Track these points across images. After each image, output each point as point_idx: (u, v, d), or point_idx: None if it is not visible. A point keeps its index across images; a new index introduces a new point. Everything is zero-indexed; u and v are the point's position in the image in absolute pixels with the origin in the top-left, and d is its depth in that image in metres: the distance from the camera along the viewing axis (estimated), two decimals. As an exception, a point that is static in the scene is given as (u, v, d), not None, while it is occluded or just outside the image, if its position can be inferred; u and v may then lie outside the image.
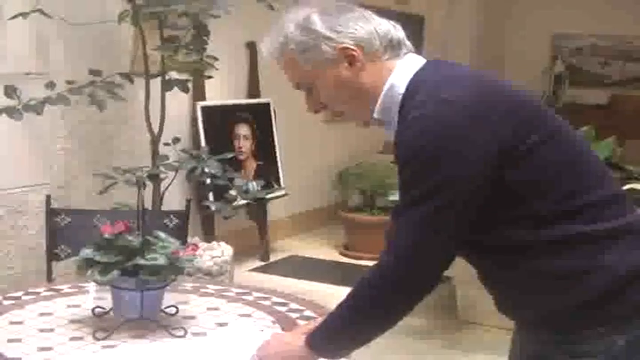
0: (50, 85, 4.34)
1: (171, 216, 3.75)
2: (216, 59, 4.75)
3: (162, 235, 2.60)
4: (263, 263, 6.85)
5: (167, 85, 4.80)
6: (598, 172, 2.16)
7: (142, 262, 2.47)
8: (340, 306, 2.19)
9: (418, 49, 2.28)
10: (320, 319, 2.31)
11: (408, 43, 2.25)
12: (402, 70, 2.17)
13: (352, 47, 2.17)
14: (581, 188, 2.08)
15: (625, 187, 4.87)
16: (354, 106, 2.23)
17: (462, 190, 2.01)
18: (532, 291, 2.11)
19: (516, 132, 2.03)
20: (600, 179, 2.14)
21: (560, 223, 2.04)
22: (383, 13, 2.29)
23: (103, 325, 2.57)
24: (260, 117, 6.96)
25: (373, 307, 2.14)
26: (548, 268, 2.06)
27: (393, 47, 2.21)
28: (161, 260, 2.49)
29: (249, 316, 2.75)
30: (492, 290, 2.25)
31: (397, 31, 2.24)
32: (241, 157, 6.68)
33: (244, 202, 4.94)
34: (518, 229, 2.06)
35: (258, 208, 6.68)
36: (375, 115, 2.19)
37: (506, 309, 2.24)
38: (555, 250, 2.05)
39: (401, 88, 2.13)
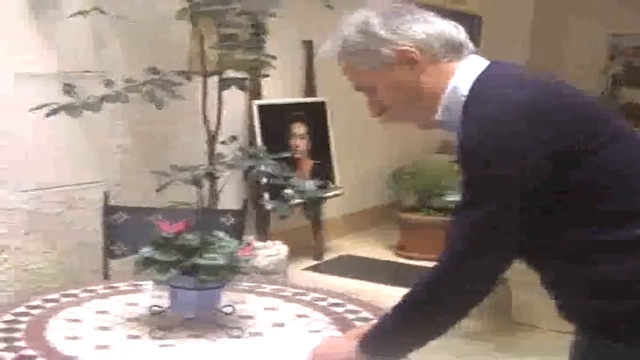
0: (109, 83, 4.36)
1: (229, 215, 3.76)
2: (274, 58, 4.74)
3: (220, 234, 2.61)
4: (317, 262, 6.84)
5: (224, 84, 4.80)
6: None
7: (200, 261, 2.47)
8: (395, 308, 2.18)
9: (476, 47, 2.26)
10: (373, 322, 2.30)
11: (470, 44, 2.24)
12: (465, 72, 2.15)
13: (412, 49, 2.15)
14: None
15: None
16: (415, 108, 2.22)
17: (520, 191, 1.99)
18: (596, 296, 2.07)
19: (578, 134, 2.01)
20: None
21: (624, 225, 2.01)
22: (439, 12, 2.27)
23: (160, 323, 2.58)
24: (315, 116, 6.94)
25: (429, 309, 2.12)
26: (613, 271, 2.02)
27: (453, 49, 2.20)
28: (220, 260, 2.49)
29: (306, 316, 2.75)
30: (556, 294, 2.22)
31: (458, 33, 2.23)
32: (297, 156, 6.67)
33: (300, 200, 4.93)
34: (580, 231, 2.04)
35: (313, 208, 6.66)
36: (437, 117, 2.17)
37: (570, 314, 2.21)
38: (620, 253, 2.02)
39: (464, 90, 2.12)
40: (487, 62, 2.19)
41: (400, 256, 7.16)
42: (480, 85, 2.10)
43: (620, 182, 2.04)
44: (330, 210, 7.24)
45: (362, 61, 2.19)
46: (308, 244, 6.86)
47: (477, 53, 2.25)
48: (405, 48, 2.16)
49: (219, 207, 4.60)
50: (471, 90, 2.11)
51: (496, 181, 1.99)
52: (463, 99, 2.11)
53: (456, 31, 2.22)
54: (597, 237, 2.02)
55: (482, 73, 2.14)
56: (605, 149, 2.03)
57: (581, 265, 2.06)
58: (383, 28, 2.16)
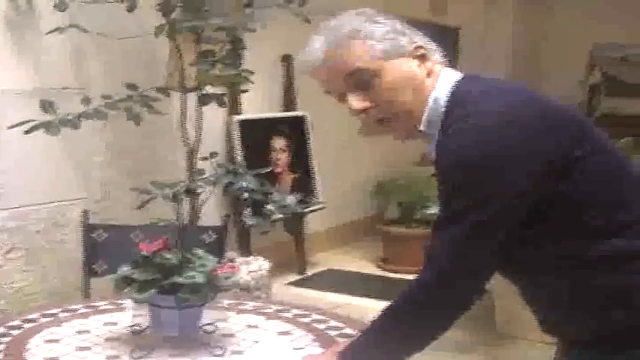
0: (86, 100, 4.34)
1: (209, 231, 3.74)
2: (252, 73, 4.73)
3: (200, 252, 2.58)
4: (300, 277, 6.83)
5: (203, 100, 4.79)
6: None
7: (180, 280, 2.45)
8: (375, 322, 2.16)
9: (454, 60, 2.26)
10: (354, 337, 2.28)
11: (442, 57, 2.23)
12: (444, 83, 2.13)
13: (425, 48, 2.14)
14: (628, 202, 2.05)
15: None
16: (402, 113, 2.16)
17: (506, 204, 1.97)
18: (581, 309, 2.06)
19: (564, 144, 1.99)
20: None
21: (609, 238, 2.00)
22: (417, 24, 2.26)
23: (140, 343, 2.55)
24: (296, 130, 6.94)
25: (411, 323, 2.10)
26: (598, 283, 2.02)
27: (442, 58, 2.19)
28: (199, 278, 2.46)
29: (288, 333, 2.72)
30: (537, 307, 2.21)
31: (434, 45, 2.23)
32: (278, 170, 6.67)
33: (281, 215, 4.91)
34: (568, 243, 2.02)
35: (294, 222, 6.65)
36: (421, 128, 2.15)
37: (551, 327, 2.20)
38: (605, 266, 2.01)
39: (443, 101, 2.10)
40: (461, 74, 2.18)
41: (384, 269, 7.17)
42: (459, 95, 2.09)
43: (606, 193, 2.03)
44: (313, 224, 7.23)
45: (377, 46, 2.11)
46: (291, 259, 6.85)
47: (452, 64, 2.24)
48: (420, 44, 2.15)
49: (200, 223, 4.58)
50: (449, 101, 2.09)
51: (482, 193, 1.97)
52: (443, 109, 2.10)
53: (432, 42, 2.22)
54: (584, 249, 2.01)
55: (460, 83, 2.13)
56: (592, 158, 2.01)
57: (568, 276, 2.05)
58: (397, 23, 2.16)
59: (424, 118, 2.13)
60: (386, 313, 2.14)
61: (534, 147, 1.96)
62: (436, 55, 2.19)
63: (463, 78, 2.16)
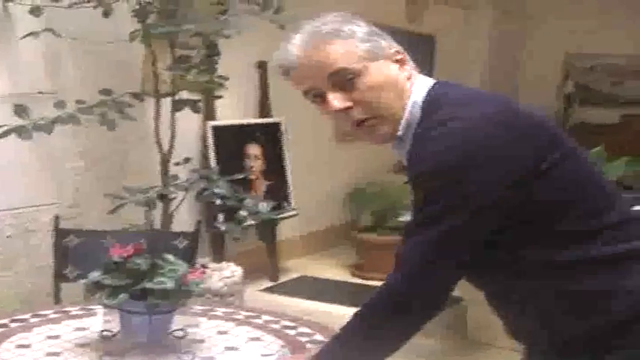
0: (60, 104, 4.33)
1: (181, 237, 3.73)
2: (226, 79, 4.74)
3: (170, 257, 2.58)
4: (273, 283, 6.83)
5: (178, 105, 4.79)
6: (612, 194, 2.14)
7: (150, 285, 2.45)
8: (345, 327, 2.16)
9: (429, 69, 2.27)
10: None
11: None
12: (419, 88, 2.14)
13: (402, 53, 2.15)
14: (599, 209, 2.06)
15: (637, 208, 4.85)
16: (381, 115, 2.13)
17: (477, 211, 1.97)
18: (549, 315, 2.07)
19: (537, 151, 2.00)
20: (614, 201, 2.12)
21: (579, 244, 2.01)
22: (393, 32, 2.26)
23: (110, 348, 2.55)
24: (270, 137, 6.95)
25: (379, 328, 2.09)
26: (567, 290, 2.03)
27: (415, 65, 2.20)
28: (169, 284, 2.47)
29: (258, 339, 2.73)
30: (506, 314, 2.22)
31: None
32: (252, 177, 6.67)
33: (254, 222, 4.92)
34: (536, 249, 2.03)
35: (267, 229, 6.66)
36: (400, 133, 2.14)
37: (520, 334, 2.21)
38: (575, 272, 2.02)
39: (419, 107, 2.11)
40: (433, 80, 2.19)
41: (357, 276, 7.17)
42: (433, 102, 2.09)
43: (577, 200, 2.04)
44: (286, 230, 7.23)
45: (360, 46, 2.10)
46: (264, 266, 6.85)
47: (428, 72, 2.25)
48: (398, 49, 2.15)
49: (173, 229, 4.59)
50: (425, 107, 2.10)
51: (456, 198, 1.97)
52: (418, 114, 2.11)
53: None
54: (554, 255, 2.02)
55: (432, 90, 2.14)
56: (563, 165, 2.02)
57: (537, 283, 2.06)
58: (372, 28, 2.15)
59: (403, 122, 2.13)
60: (355, 318, 2.13)
61: (508, 153, 1.97)
62: (410, 62, 2.20)
63: (435, 84, 2.17)
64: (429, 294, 2.05)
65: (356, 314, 2.14)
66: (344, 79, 2.09)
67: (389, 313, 2.07)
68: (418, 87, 2.14)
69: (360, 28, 2.12)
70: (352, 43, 2.10)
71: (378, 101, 2.11)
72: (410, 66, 2.18)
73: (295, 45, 2.12)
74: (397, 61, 2.14)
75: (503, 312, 2.22)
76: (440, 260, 2.01)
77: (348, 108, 2.11)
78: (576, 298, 2.02)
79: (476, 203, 1.97)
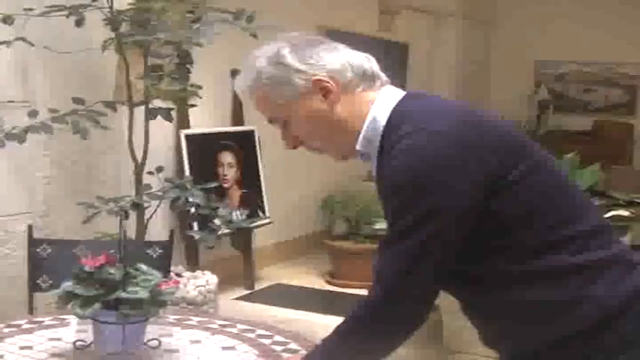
0: (33, 113, 4.31)
1: (155, 246, 3.72)
2: (200, 87, 4.73)
3: (143, 267, 2.57)
4: (248, 292, 6.82)
5: (151, 114, 4.78)
6: (582, 204, 2.16)
7: (123, 295, 2.44)
8: (326, 340, 2.16)
9: (402, 76, 2.27)
10: (304, 353, 2.28)
11: (382, 75, 2.24)
12: (383, 102, 2.16)
13: (326, 79, 2.15)
14: (566, 219, 2.07)
15: (610, 214, 4.87)
16: (330, 141, 2.22)
17: (449, 220, 1.99)
18: (519, 323, 2.09)
19: (502, 162, 2.02)
20: (584, 210, 2.13)
21: (545, 254, 2.03)
22: (365, 40, 2.27)
23: (84, 358, 2.54)
24: (244, 145, 6.94)
25: (361, 342, 2.11)
26: (535, 299, 2.05)
27: (367, 78, 2.20)
28: (142, 293, 2.45)
29: (232, 348, 2.72)
30: (478, 322, 2.23)
31: (370, 63, 2.23)
32: (226, 185, 6.66)
33: (228, 230, 4.91)
34: (503, 259, 2.05)
35: (242, 237, 6.66)
36: (358, 147, 2.17)
37: (493, 342, 2.22)
38: (542, 282, 2.04)
39: (382, 120, 2.12)
40: (403, 93, 2.20)
41: (331, 284, 7.18)
42: (399, 114, 2.11)
43: (543, 211, 2.05)
44: (261, 239, 7.23)
45: (276, 93, 2.16)
46: (239, 274, 6.84)
47: (400, 80, 2.26)
48: (319, 77, 2.15)
49: (148, 238, 4.57)
50: (389, 120, 2.11)
51: (425, 210, 1.98)
52: (381, 129, 2.12)
53: (367, 61, 2.22)
54: (520, 265, 2.04)
55: (400, 103, 2.15)
56: (530, 177, 2.04)
57: (505, 292, 2.07)
58: (295, 58, 2.15)
59: (361, 137, 2.16)
60: (337, 332, 2.14)
61: (473, 166, 1.99)
62: (348, 77, 2.18)
63: (405, 97, 2.18)
64: (410, 305, 2.06)
65: (338, 328, 2.14)
66: (280, 123, 2.21)
67: (371, 327, 2.08)
68: (381, 102, 2.16)
69: (279, 71, 2.16)
70: (270, 93, 2.17)
71: (312, 136, 2.21)
72: (340, 87, 2.17)
73: (238, 86, 2.25)
74: (320, 89, 2.16)
75: (474, 320, 2.24)
76: (415, 272, 2.02)
77: (297, 145, 2.24)
78: (544, 308, 2.04)
79: (442, 215, 1.99)
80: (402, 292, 2.03)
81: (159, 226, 5.16)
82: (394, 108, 2.13)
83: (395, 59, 8.86)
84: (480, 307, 2.18)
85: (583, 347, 2.03)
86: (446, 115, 2.09)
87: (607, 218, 3.54)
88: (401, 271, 2.03)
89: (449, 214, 1.99)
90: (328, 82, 2.15)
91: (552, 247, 2.03)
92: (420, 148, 2.00)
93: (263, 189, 7.06)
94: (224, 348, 2.72)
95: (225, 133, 6.84)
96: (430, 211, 1.98)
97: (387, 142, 2.09)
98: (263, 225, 6.80)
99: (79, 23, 4.51)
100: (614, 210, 4.97)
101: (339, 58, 2.18)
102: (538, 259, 2.02)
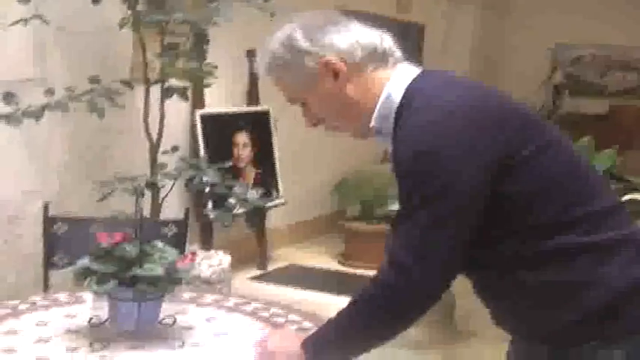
0: (49, 91, 4.32)
1: (170, 225, 3.73)
2: (215, 67, 4.73)
3: (160, 244, 2.58)
4: (261, 272, 6.83)
5: (166, 93, 4.78)
6: (596, 184, 2.15)
7: (139, 272, 2.45)
8: (339, 316, 2.17)
9: (417, 57, 2.27)
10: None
11: (397, 52, 2.24)
12: (397, 80, 2.16)
13: (334, 60, 2.16)
14: (579, 199, 2.07)
15: (625, 198, 4.86)
16: (347, 120, 2.24)
17: (463, 197, 2.00)
18: (529, 304, 2.10)
19: (513, 141, 2.02)
20: (598, 191, 2.13)
21: (558, 235, 2.03)
22: (382, 21, 2.27)
23: (99, 335, 2.55)
24: (259, 125, 6.94)
25: (373, 319, 2.11)
26: (546, 280, 2.05)
27: (377, 57, 2.21)
28: (159, 271, 2.46)
29: (247, 326, 2.73)
30: (489, 303, 2.24)
31: (384, 41, 2.23)
32: (240, 165, 6.66)
33: (243, 210, 4.92)
34: (515, 240, 2.05)
35: (256, 217, 6.66)
36: (372, 124, 2.18)
37: (504, 323, 2.23)
38: (553, 262, 2.04)
39: (397, 98, 2.13)
40: (418, 70, 2.21)
41: (344, 265, 7.19)
42: (415, 92, 2.11)
43: (555, 191, 2.05)
44: (275, 219, 7.24)
45: (289, 75, 2.21)
46: (252, 254, 6.86)
47: (415, 61, 2.26)
48: (328, 59, 2.17)
49: (162, 217, 4.58)
50: (404, 97, 2.12)
51: (438, 187, 1.99)
52: (396, 106, 2.12)
53: (379, 39, 2.22)
54: (532, 246, 2.04)
55: (415, 80, 2.15)
56: (540, 157, 2.04)
57: (517, 273, 2.08)
58: (305, 40, 2.18)
59: (375, 115, 2.17)
60: (349, 308, 2.15)
61: (485, 143, 2.00)
62: (358, 56, 2.19)
63: (419, 74, 2.19)
64: (423, 283, 2.06)
65: (351, 305, 2.15)
66: (299, 103, 2.27)
67: (383, 305, 2.09)
68: (396, 79, 2.17)
69: (295, 56, 2.19)
70: (286, 76, 2.23)
71: (330, 116, 2.25)
72: (352, 66, 2.18)
73: (261, 68, 2.29)
74: (331, 71, 2.18)
75: (488, 302, 2.24)
76: (429, 249, 2.03)
77: (316, 123, 2.28)
78: (556, 288, 2.05)
79: (453, 191, 1.99)
80: (415, 269, 2.03)
81: (173, 206, 5.17)
82: (409, 85, 2.14)
83: (412, 40, 8.85)
84: (491, 289, 2.19)
85: (593, 330, 2.03)
86: (456, 91, 2.10)
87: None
88: (413, 249, 2.03)
89: (461, 191, 1.99)
90: (338, 63, 2.16)
91: (564, 227, 2.03)
92: (430, 126, 2.01)
93: (277, 169, 7.07)
94: (239, 326, 2.74)
95: (241, 113, 6.84)
96: (442, 188, 1.99)
97: (401, 120, 2.10)
98: (277, 205, 6.80)
99: (95, 2, 4.52)
100: (630, 194, 4.96)
101: (348, 39, 2.19)
102: (550, 239, 2.03)
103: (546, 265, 2.04)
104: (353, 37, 2.20)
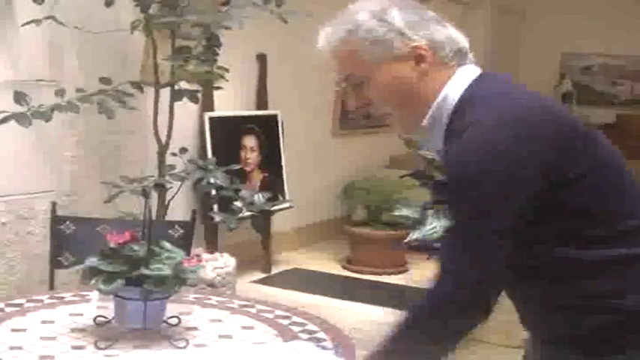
0: (60, 92, 4.35)
1: (177, 226, 3.75)
2: (226, 70, 4.74)
3: (167, 245, 2.59)
4: (265, 275, 6.85)
5: (177, 95, 4.80)
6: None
7: (146, 272, 2.47)
8: (395, 334, 2.11)
9: (474, 59, 2.25)
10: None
11: (470, 55, 2.23)
12: (457, 81, 2.15)
13: (425, 47, 2.14)
14: (629, 213, 2.08)
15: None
16: (402, 109, 2.19)
17: (515, 209, 1.99)
18: (570, 310, 2.10)
19: (569, 155, 2.02)
20: None
21: (606, 245, 2.04)
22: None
23: (105, 334, 2.57)
24: (267, 129, 6.96)
25: (436, 335, 2.09)
26: (588, 288, 2.06)
27: (460, 56, 2.20)
28: (166, 271, 2.48)
29: (251, 328, 2.75)
30: (525, 307, 2.24)
31: (465, 42, 2.23)
32: (248, 169, 6.69)
33: (249, 213, 4.94)
34: (563, 248, 2.05)
35: (262, 220, 6.67)
36: (424, 123, 2.16)
37: (537, 326, 2.24)
38: (598, 271, 2.05)
39: (453, 100, 2.12)
40: (477, 72, 2.19)
41: (349, 269, 7.19)
42: (470, 97, 2.10)
43: (607, 204, 2.06)
44: (281, 223, 7.25)
45: (368, 50, 2.13)
46: (257, 257, 6.87)
47: (475, 64, 2.25)
48: (419, 44, 2.14)
49: (168, 218, 4.60)
50: (460, 100, 2.11)
51: (494, 198, 1.98)
52: (451, 108, 2.12)
53: (463, 38, 2.23)
54: (580, 254, 2.04)
55: (473, 83, 2.14)
56: (596, 171, 2.04)
57: (561, 280, 2.08)
58: (402, 20, 2.13)
59: (429, 114, 2.14)
60: (406, 325, 2.10)
61: (541, 156, 1.98)
62: (446, 51, 2.18)
63: (479, 77, 2.17)
64: (481, 295, 2.04)
65: (405, 322, 2.10)
66: (356, 82, 2.18)
67: (444, 319, 2.06)
68: (456, 80, 2.15)
69: (380, 27, 2.13)
70: (362, 47, 2.14)
71: (387, 101, 2.18)
72: (437, 59, 2.16)
73: (322, 38, 2.20)
74: (415, 57, 2.15)
75: (522, 305, 2.24)
76: (485, 261, 2.01)
77: (362, 106, 2.20)
78: (597, 295, 2.05)
79: (507, 204, 1.98)
80: (473, 282, 2.02)
81: (179, 207, 5.19)
82: (466, 89, 2.12)
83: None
84: (532, 294, 2.18)
85: (628, 338, 2.05)
86: (516, 102, 2.07)
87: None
88: (470, 262, 2.01)
89: (513, 204, 1.98)
90: (426, 51, 2.14)
91: (613, 238, 2.05)
92: (486, 136, 1.99)
93: (284, 173, 7.08)
94: (243, 327, 2.76)
95: (249, 116, 6.87)
96: (497, 199, 1.98)
97: (454, 124, 2.09)
98: (284, 209, 6.82)
99: (108, 4, 4.54)
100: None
101: (444, 31, 2.18)
102: (598, 249, 2.04)
103: (592, 272, 2.05)
104: (445, 30, 2.19)
